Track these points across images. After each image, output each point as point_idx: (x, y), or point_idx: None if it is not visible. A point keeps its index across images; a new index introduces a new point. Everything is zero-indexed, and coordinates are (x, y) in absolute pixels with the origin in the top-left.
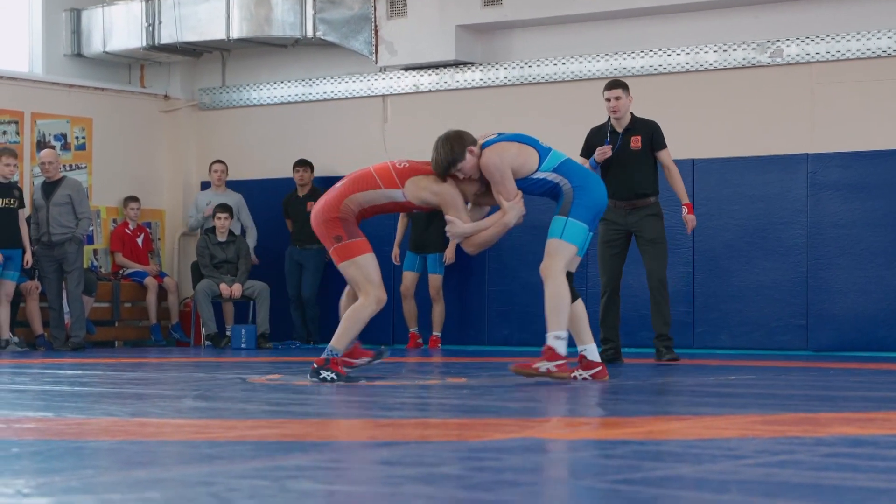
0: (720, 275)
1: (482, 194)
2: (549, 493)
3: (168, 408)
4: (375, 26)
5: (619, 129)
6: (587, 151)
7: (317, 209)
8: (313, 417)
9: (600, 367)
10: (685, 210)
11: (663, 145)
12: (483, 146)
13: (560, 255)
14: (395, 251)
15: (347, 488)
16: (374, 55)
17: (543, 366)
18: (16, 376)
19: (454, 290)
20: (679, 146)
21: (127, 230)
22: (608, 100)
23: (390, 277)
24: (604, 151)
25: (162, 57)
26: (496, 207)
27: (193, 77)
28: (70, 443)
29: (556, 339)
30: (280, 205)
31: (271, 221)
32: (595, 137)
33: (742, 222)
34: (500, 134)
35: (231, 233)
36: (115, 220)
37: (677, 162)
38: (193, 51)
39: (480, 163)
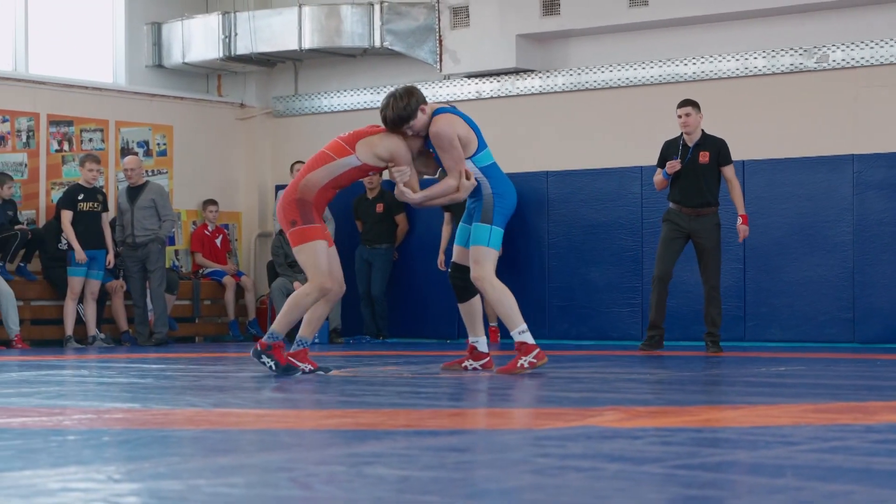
0: (770, 271)
1: (421, 163)
2: (611, 477)
3: (248, 399)
4: (440, 36)
5: (690, 144)
6: (661, 162)
7: (280, 198)
8: (385, 407)
9: (488, 359)
10: (740, 220)
11: (729, 161)
12: (436, 112)
13: (489, 262)
14: (441, 257)
15: (420, 474)
16: (438, 64)
17: (525, 360)
18: (104, 370)
19: (515, 286)
20: (730, 148)
21: (206, 231)
22: (679, 116)
23: (442, 281)
24: (673, 165)
25: (238, 67)
26: (432, 179)
27: (268, 86)
28: (156, 432)
29: (521, 334)
30: (350, 206)
31: (341, 222)
32: (668, 150)
33: (791, 220)
34: (452, 106)
35: None
36: (194, 223)
37: None
38: (268, 61)
39: (431, 130)
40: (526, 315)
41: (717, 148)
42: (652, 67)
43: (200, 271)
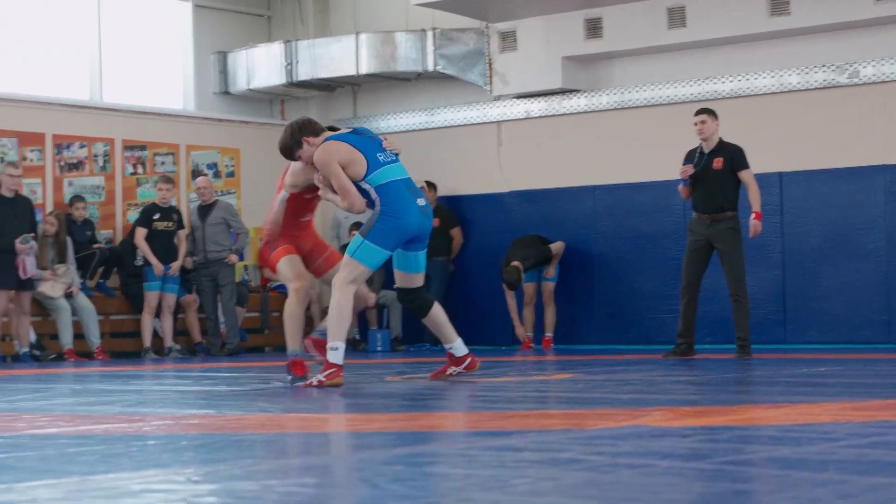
0: (808, 276)
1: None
2: (662, 473)
3: (317, 404)
4: (489, 60)
5: (706, 151)
6: None
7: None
8: (445, 411)
9: (470, 359)
10: (752, 216)
11: (743, 166)
12: (325, 140)
13: (349, 270)
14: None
15: (480, 472)
16: (488, 86)
17: (322, 375)
18: (179, 379)
19: (565, 295)
20: (767, 161)
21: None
22: (695, 124)
23: (498, 291)
24: (685, 170)
25: (300, 92)
26: None
27: (328, 109)
28: (231, 436)
29: (332, 351)
30: None
31: None
32: (687, 158)
33: (826, 228)
34: (353, 129)
35: None
36: (262, 239)
37: (767, 174)
38: (328, 86)
39: (314, 159)
40: (576, 322)
41: (730, 153)
42: (691, 86)
43: (268, 285)
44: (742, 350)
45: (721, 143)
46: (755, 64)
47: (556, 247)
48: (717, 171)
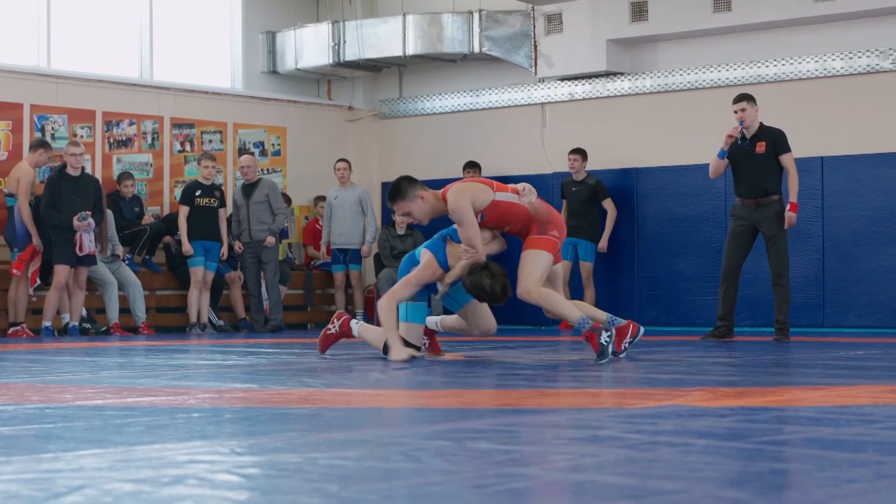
0: (848, 260)
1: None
2: (701, 452)
3: (358, 380)
4: (535, 42)
5: (748, 136)
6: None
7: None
8: (485, 388)
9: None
10: (788, 207)
11: (785, 150)
12: None
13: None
14: None
15: (521, 448)
16: (533, 67)
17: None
18: (223, 354)
19: (606, 276)
20: (809, 145)
21: (318, 226)
22: (735, 111)
23: None
24: (734, 129)
25: (346, 72)
26: None
27: (374, 90)
28: (274, 409)
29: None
30: None
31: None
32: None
33: (867, 213)
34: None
35: (409, 226)
36: (306, 217)
37: (809, 159)
38: (374, 66)
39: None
40: (617, 303)
41: (773, 138)
42: (735, 69)
43: (312, 263)
44: (781, 333)
45: (762, 127)
46: (799, 48)
47: (609, 204)
48: (761, 155)
